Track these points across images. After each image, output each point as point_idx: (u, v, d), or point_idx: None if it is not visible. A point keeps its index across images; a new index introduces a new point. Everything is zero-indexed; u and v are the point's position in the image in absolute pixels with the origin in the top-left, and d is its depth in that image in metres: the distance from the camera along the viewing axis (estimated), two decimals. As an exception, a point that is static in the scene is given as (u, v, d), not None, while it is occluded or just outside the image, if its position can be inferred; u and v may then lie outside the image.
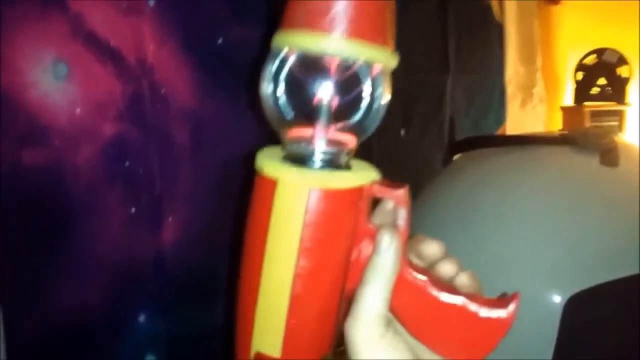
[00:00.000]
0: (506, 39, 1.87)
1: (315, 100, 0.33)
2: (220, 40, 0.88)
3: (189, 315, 0.87)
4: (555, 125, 2.22)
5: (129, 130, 0.77)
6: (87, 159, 0.73)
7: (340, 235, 0.33)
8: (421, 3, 1.47)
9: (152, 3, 0.79)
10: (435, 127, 1.54)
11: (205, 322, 0.89)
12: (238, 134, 0.89)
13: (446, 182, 1.22)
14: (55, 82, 0.69)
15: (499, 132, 1.86)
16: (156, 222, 0.81)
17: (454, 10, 1.57)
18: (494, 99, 1.86)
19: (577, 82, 2.31)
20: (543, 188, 1.03)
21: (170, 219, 0.83)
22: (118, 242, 0.77)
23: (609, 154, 0.99)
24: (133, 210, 0.78)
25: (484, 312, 0.34)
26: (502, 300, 0.35)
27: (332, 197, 0.32)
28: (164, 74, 0.80)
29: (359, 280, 0.33)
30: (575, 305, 0.86)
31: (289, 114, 0.34)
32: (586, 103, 2.21)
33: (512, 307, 0.35)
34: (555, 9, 2.39)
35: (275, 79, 0.34)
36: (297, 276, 0.31)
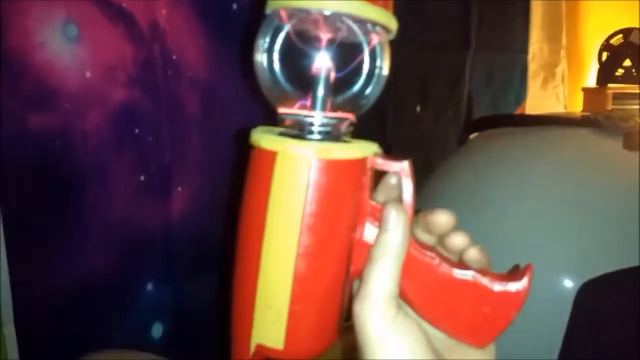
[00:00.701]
0: (532, 16, 1.81)
1: (313, 70, 0.31)
2: (234, 6, 0.86)
3: (196, 285, 0.87)
4: (576, 106, 2.16)
5: (140, 96, 0.75)
6: (96, 124, 0.71)
7: (344, 210, 0.31)
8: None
9: (166, -35, 0.76)
10: (452, 104, 1.50)
11: (212, 293, 0.88)
12: (251, 104, 0.87)
13: (461, 162, 1.20)
14: (65, 44, 0.68)
15: (518, 111, 1.82)
16: (165, 191, 0.80)
17: (478, -17, 1.52)
18: (515, 77, 1.81)
19: (602, 63, 2.24)
20: (561, 170, 1.01)
21: (179, 189, 0.82)
22: (126, 210, 0.76)
23: (632, 138, 0.96)
24: (142, 178, 0.77)
25: (498, 286, 0.33)
26: (514, 274, 0.34)
27: (335, 168, 0.30)
28: (176, 40, 0.78)
29: (366, 260, 0.31)
30: (588, 292, 0.85)
31: (286, 85, 0.32)
32: (609, 85, 2.14)
33: (525, 280, 0.34)
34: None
35: (270, 49, 0.32)
36: (300, 256, 0.30)
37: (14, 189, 0.65)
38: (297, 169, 0.29)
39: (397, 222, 0.31)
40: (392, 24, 0.32)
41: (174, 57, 0.78)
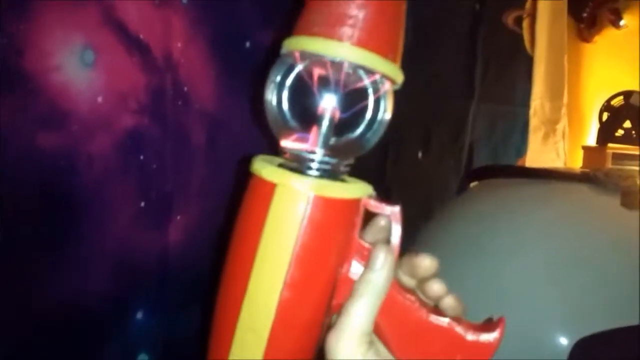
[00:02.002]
0: (534, 72, 1.86)
1: (319, 109, 0.33)
2: (248, 44, 0.88)
3: (187, 317, 0.86)
4: (576, 163, 2.19)
5: (148, 124, 0.76)
6: (102, 148, 0.72)
7: (334, 246, 0.32)
8: (453, 26, 1.46)
9: (185, 0, 0.79)
10: (453, 152, 1.52)
11: (202, 323, 0.87)
12: (256, 140, 0.88)
13: (460, 210, 1.20)
14: (81, 69, 0.69)
15: (518, 163, 1.84)
16: (164, 219, 0.81)
17: (484, 37, 1.57)
18: (516, 130, 1.84)
19: (602, 123, 2.28)
20: (559, 225, 1.01)
21: (178, 218, 0.82)
22: (124, 235, 0.76)
23: (630, 196, 0.97)
24: (142, 204, 0.77)
25: (471, 336, 0.34)
26: (488, 325, 0.36)
27: (330, 206, 0.31)
28: (189, 72, 0.80)
29: (348, 295, 0.33)
30: (583, 349, 0.84)
31: (291, 120, 0.34)
32: (609, 144, 2.17)
33: (497, 332, 0.35)
34: (587, 47, 2.37)
35: (281, 85, 0.34)
36: (286, 285, 0.31)
37: (15, 204, 0.66)
38: (295, 202, 0.31)
39: (383, 263, 0.33)
40: (399, 77, 0.34)
41: (185, 88, 0.80)
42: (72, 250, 0.72)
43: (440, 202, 1.34)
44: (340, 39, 0.31)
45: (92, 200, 0.73)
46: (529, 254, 0.99)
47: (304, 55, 0.33)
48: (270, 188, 0.31)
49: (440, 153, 1.46)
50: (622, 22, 2.28)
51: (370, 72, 0.33)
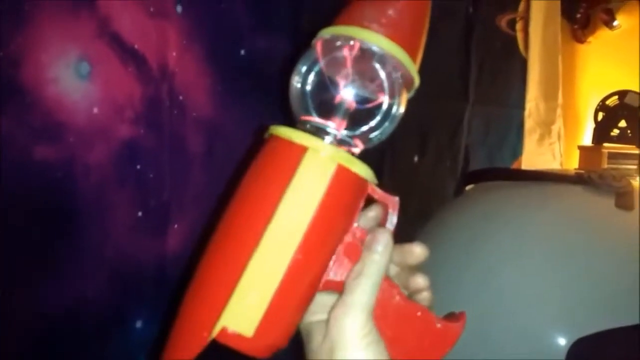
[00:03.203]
0: (529, 74, 1.87)
1: (342, 95, 0.34)
2: (242, 52, 0.89)
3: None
4: (572, 164, 2.20)
5: (144, 134, 0.77)
6: (99, 158, 0.73)
7: (344, 217, 0.33)
8: (446, 29, 1.47)
9: (179, 9, 0.80)
10: (449, 155, 1.53)
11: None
12: (253, 144, 0.89)
13: (457, 212, 1.21)
14: (77, 80, 0.70)
15: (514, 165, 1.85)
16: (162, 227, 0.81)
17: (478, 40, 1.57)
18: (511, 132, 1.84)
19: (598, 123, 2.29)
20: (555, 226, 1.02)
21: (176, 226, 0.82)
22: (122, 245, 0.77)
23: (625, 197, 0.98)
24: (140, 214, 0.78)
25: (439, 324, 0.37)
26: (452, 317, 0.38)
27: (351, 179, 0.33)
28: (184, 81, 0.81)
29: (350, 274, 0.34)
30: (580, 349, 0.84)
31: (314, 103, 0.36)
32: (605, 144, 2.18)
33: (461, 323, 0.38)
34: (581, 48, 2.39)
35: (307, 73, 0.36)
36: (300, 247, 0.31)
37: (13, 215, 0.66)
38: (323, 168, 0.31)
39: (386, 246, 0.35)
40: (417, 79, 0.36)
41: (181, 97, 0.81)
42: (71, 259, 0.72)
43: (437, 204, 1.35)
44: (376, 30, 0.33)
45: (90, 210, 0.73)
46: (525, 256, 1.00)
47: (336, 41, 0.35)
48: (299, 151, 0.31)
49: (436, 156, 1.47)
50: (615, 23, 2.29)
51: (395, 68, 0.34)
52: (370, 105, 0.35)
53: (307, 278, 0.32)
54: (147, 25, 0.76)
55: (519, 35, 1.85)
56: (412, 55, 0.34)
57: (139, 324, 0.80)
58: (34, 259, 0.69)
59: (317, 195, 0.31)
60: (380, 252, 0.34)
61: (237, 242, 0.31)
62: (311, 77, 0.36)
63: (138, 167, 0.77)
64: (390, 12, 0.33)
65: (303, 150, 0.31)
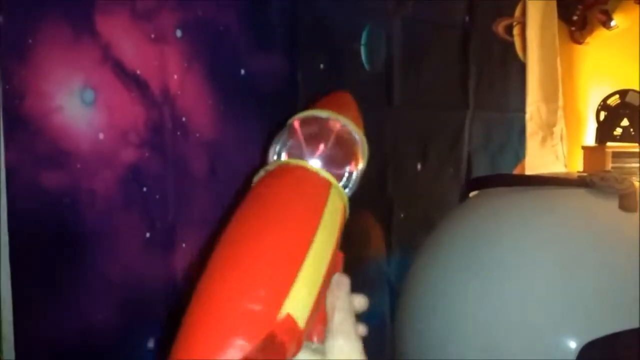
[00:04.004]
0: (528, 77, 1.87)
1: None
2: (242, 72, 0.90)
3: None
4: (576, 164, 2.19)
5: (149, 157, 0.78)
6: (106, 183, 0.74)
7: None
8: (443, 39, 1.48)
9: (179, 34, 0.81)
10: (452, 162, 1.54)
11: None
12: (255, 163, 0.90)
13: (461, 219, 1.21)
14: (81, 108, 0.72)
15: (518, 168, 1.85)
16: (169, 247, 0.82)
17: (475, 47, 1.59)
18: (513, 136, 1.85)
19: (600, 122, 2.29)
20: (560, 230, 1.02)
21: (183, 245, 0.84)
22: (131, 266, 0.78)
23: (628, 199, 0.98)
24: (147, 235, 0.79)
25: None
26: None
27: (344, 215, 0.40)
28: (186, 103, 0.82)
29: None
30: (590, 353, 0.84)
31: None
32: (608, 144, 2.18)
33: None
34: (579, 49, 2.39)
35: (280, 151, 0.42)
36: (330, 261, 0.35)
37: (23, 240, 0.67)
38: (340, 204, 0.39)
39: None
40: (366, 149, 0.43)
41: (184, 119, 0.82)
42: (81, 284, 0.73)
43: (442, 212, 1.36)
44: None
45: (98, 234, 0.74)
46: (532, 261, 1.00)
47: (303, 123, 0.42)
48: (326, 185, 0.38)
49: (438, 164, 1.48)
50: (613, 23, 2.30)
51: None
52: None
53: (327, 284, 0.37)
54: (148, 51, 0.78)
55: (517, 40, 1.86)
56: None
57: (150, 344, 0.81)
58: (45, 285, 0.70)
59: (339, 223, 0.38)
60: (346, 291, 0.37)
61: (286, 254, 0.35)
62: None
63: (144, 189, 0.78)
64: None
65: (329, 184, 0.38)
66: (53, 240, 0.71)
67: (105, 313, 0.76)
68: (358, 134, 0.43)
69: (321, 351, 0.35)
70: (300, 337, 0.32)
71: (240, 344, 0.30)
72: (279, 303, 0.31)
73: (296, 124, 0.42)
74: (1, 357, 0.67)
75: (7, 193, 0.66)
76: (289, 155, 0.42)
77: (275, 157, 0.42)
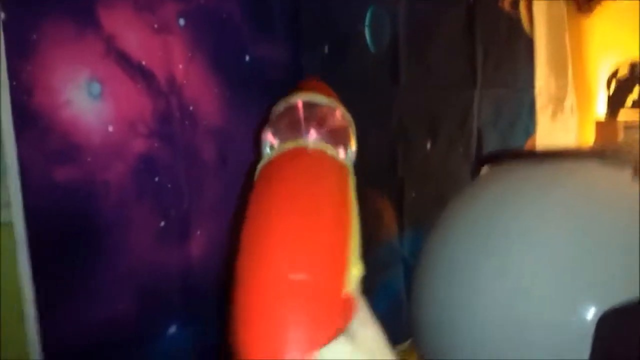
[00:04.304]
0: (536, 52, 1.85)
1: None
2: (247, 58, 0.90)
3: (218, 325, 0.88)
4: (588, 137, 2.17)
5: (159, 147, 0.79)
6: (118, 175, 0.75)
7: None
8: (449, 18, 1.47)
9: (182, 23, 0.81)
10: (462, 140, 1.53)
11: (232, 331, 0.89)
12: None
13: (473, 196, 1.21)
14: (89, 101, 0.72)
15: (528, 143, 1.83)
16: (184, 235, 0.83)
17: (481, 24, 1.57)
18: (523, 111, 1.83)
19: (610, 94, 2.26)
20: (574, 202, 1.01)
21: (198, 232, 0.84)
22: (148, 255, 0.79)
23: (641, 168, 0.97)
24: (162, 224, 0.80)
25: None
26: None
27: None
28: (193, 92, 0.82)
29: None
30: (608, 322, 0.84)
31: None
32: (619, 116, 2.15)
33: None
34: (586, 20, 2.35)
35: None
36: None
37: (41, 238, 0.69)
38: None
39: None
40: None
41: (191, 107, 0.82)
42: (101, 275, 0.74)
43: (453, 190, 1.35)
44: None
45: (114, 225, 0.75)
46: (547, 234, 0.99)
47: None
48: (346, 169, 0.42)
49: (448, 142, 1.47)
50: (620, -8, 2.25)
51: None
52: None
53: None
54: (152, 41, 0.78)
55: (524, 15, 1.83)
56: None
57: (172, 330, 0.82)
58: (67, 278, 0.71)
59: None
60: None
61: (335, 230, 0.38)
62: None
63: (156, 179, 0.79)
64: None
65: (347, 169, 0.42)
66: (70, 235, 0.72)
67: (126, 302, 0.77)
68: (349, 117, 0.45)
69: (352, 335, 0.35)
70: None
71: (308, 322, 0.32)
72: (342, 281, 0.34)
73: (299, 104, 0.43)
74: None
75: (22, 190, 0.67)
76: (285, 138, 0.42)
77: (275, 140, 0.43)
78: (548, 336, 0.89)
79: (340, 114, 0.45)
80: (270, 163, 0.41)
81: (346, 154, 0.44)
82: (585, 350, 0.82)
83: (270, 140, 0.44)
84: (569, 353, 0.85)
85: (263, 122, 0.46)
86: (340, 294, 0.34)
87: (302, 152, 0.41)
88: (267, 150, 0.45)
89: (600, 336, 0.82)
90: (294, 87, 0.51)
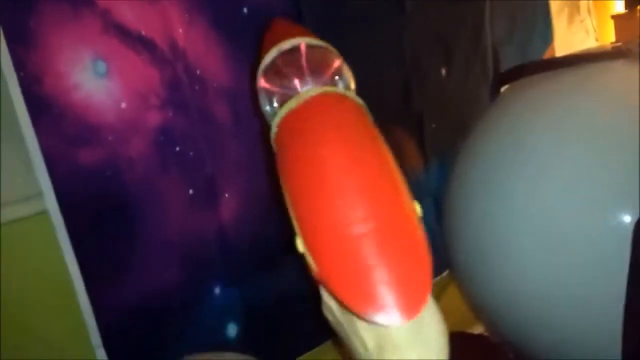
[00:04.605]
0: (545, -48, 1.75)
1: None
2: (245, 10, 0.88)
3: (260, 282, 0.91)
4: (608, 35, 2.08)
5: (174, 116, 0.79)
6: (140, 149, 0.76)
7: None
8: None
9: (174, -15, 0.79)
10: (477, 60, 1.48)
11: (275, 285, 0.92)
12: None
13: (496, 117, 1.18)
14: (97, 80, 0.72)
15: (548, 53, 1.77)
16: (213, 199, 0.84)
17: None
18: (538, 20, 1.75)
19: (628, -15, 2.13)
20: (602, 106, 0.98)
21: (226, 195, 0.85)
22: (182, 223, 0.81)
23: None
24: (191, 192, 0.81)
25: None
26: None
27: None
28: (197, 55, 0.81)
29: None
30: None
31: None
32: (639, 8, 2.04)
33: None
34: None
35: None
36: None
37: (78, 221, 0.71)
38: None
39: None
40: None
41: (198, 72, 0.81)
42: (141, 248, 0.77)
43: (475, 113, 1.32)
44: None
45: (145, 199, 0.77)
46: (577, 141, 0.97)
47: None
48: (365, 110, 0.41)
49: (464, 65, 1.42)
50: None
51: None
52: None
53: None
54: (147, 9, 0.76)
55: None
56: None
57: (217, 290, 0.85)
58: (109, 256, 0.74)
59: None
60: None
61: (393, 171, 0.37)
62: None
63: (177, 148, 0.80)
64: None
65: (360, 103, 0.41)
66: (104, 213, 0.74)
67: (170, 270, 0.80)
68: (321, 41, 0.43)
69: None
70: None
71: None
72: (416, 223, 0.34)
73: (303, 47, 0.42)
74: (89, 344, 0.72)
75: (50, 178, 0.69)
76: (291, 86, 0.41)
77: (279, 88, 0.42)
78: (587, 247, 0.89)
79: (335, 53, 0.44)
80: (296, 112, 0.39)
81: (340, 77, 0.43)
82: (626, 255, 0.82)
83: (274, 89, 0.43)
84: (610, 262, 0.85)
85: (255, 71, 0.44)
86: (422, 236, 0.34)
87: (325, 97, 0.40)
88: (274, 103, 0.44)
89: (639, 239, 0.81)
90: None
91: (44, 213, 0.69)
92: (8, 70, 0.64)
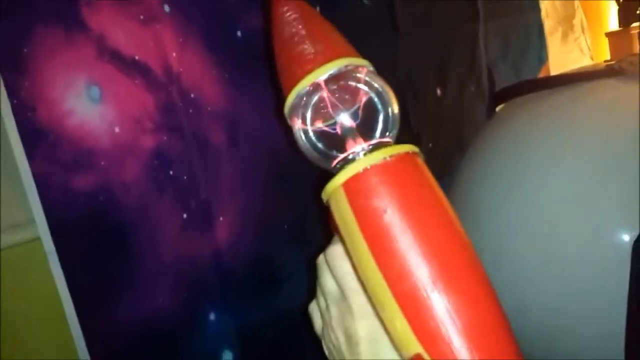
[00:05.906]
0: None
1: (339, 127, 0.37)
2: (239, 33, 0.88)
3: (255, 306, 0.90)
4: (602, 53, 2.09)
5: (168, 140, 0.79)
6: (134, 174, 0.75)
7: None
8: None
9: (167, 9, 0.80)
10: (472, 79, 1.49)
11: (271, 309, 0.91)
12: (271, 123, 0.89)
13: (492, 135, 1.19)
14: (91, 106, 0.72)
15: (543, 71, 1.78)
16: (208, 223, 0.83)
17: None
18: (532, 38, 1.77)
19: (621, 4, 2.16)
20: (597, 124, 0.99)
21: (221, 219, 0.85)
22: (176, 248, 0.80)
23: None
24: (185, 215, 0.80)
25: None
26: None
27: None
28: (191, 78, 0.81)
29: None
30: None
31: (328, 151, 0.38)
32: (633, 25, 2.07)
33: None
34: None
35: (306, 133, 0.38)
36: None
37: (70, 247, 0.70)
38: None
39: None
40: (362, 61, 0.39)
41: (192, 95, 0.81)
42: (135, 273, 0.76)
43: (471, 132, 1.33)
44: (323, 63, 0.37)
45: (139, 223, 0.76)
46: (573, 160, 0.97)
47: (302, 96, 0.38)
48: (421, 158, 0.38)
49: (459, 84, 1.43)
50: None
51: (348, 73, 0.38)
52: (362, 108, 0.38)
53: None
54: (141, 33, 0.76)
55: None
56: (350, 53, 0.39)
57: (212, 317, 0.84)
58: (102, 281, 0.73)
59: None
60: None
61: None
62: (311, 135, 0.38)
63: (171, 172, 0.79)
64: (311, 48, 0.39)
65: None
66: (98, 239, 0.73)
67: (164, 296, 0.79)
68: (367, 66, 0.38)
69: None
70: None
71: None
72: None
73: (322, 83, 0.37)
74: (77, 358, 0.71)
75: (43, 205, 0.68)
76: (316, 119, 0.37)
77: (307, 124, 0.38)
78: (585, 264, 0.88)
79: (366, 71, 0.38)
80: (360, 178, 0.34)
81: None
82: (625, 273, 0.81)
83: (297, 123, 0.38)
84: (608, 279, 0.85)
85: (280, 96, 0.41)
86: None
87: (402, 158, 0.35)
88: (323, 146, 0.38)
89: (638, 257, 0.81)
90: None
91: (36, 240, 0.69)
92: (1, 97, 0.64)
